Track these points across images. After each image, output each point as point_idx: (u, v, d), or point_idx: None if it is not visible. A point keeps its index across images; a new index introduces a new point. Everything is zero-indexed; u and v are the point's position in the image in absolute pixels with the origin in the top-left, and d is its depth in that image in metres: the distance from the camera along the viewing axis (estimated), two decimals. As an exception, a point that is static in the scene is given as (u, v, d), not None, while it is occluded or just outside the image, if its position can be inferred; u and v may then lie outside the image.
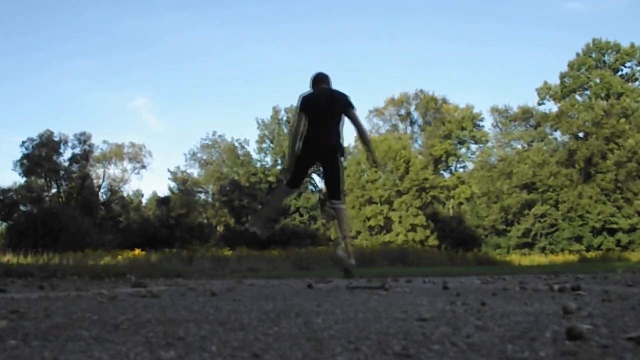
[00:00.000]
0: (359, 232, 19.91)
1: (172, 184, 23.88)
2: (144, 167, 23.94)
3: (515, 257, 15.47)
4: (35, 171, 21.39)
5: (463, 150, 24.03)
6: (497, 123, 22.80)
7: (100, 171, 23.51)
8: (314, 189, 22.97)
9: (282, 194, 3.39)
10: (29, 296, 1.59)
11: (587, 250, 17.27)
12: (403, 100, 24.96)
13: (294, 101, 31.70)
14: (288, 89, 34.93)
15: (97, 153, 23.10)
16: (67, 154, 22.21)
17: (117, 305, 1.26)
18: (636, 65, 20.65)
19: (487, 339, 0.72)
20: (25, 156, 21.18)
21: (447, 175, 23.37)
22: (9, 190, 21.11)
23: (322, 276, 3.45)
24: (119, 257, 9.54)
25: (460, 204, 21.90)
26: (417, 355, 0.62)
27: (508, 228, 19.61)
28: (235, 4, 32.45)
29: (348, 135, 39.18)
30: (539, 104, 21.75)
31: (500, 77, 33.50)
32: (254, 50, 33.79)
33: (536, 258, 15.51)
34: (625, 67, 20.82)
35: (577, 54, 21.06)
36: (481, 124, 23.65)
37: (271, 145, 23.50)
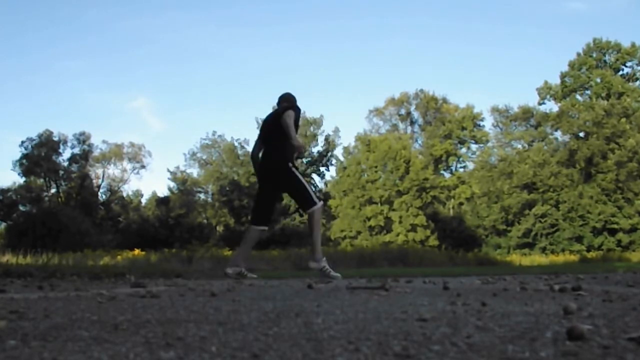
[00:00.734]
0: (359, 232, 19.91)
1: (172, 184, 23.92)
2: (143, 167, 23.98)
3: (516, 258, 15.46)
4: (34, 171, 21.40)
5: (463, 150, 24.03)
6: (498, 123, 22.80)
7: (99, 171, 23.55)
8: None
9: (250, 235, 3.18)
10: (28, 296, 1.59)
11: (588, 251, 17.26)
12: (403, 100, 24.96)
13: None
14: (288, 89, 34.85)
15: (96, 153, 23.14)
16: (66, 153, 22.27)
17: (117, 306, 1.26)
18: (637, 65, 20.65)
19: (487, 339, 0.72)
20: (24, 156, 21.20)
21: (447, 175, 23.38)
22: (8, 190, 21.13)
23: (322, 276, 3.44)
24: (119, 257, 9.55)
25: (461, 204, 21.89)
26: (417, 355, 0.62)
27: (508, 228, 19.60)
28: (235, 4, 32.49)
29: (348, 135, 39.14)
30: (540, 104, 21.76)
31: (501, 76, 33.54)
32: (254, 50, 33.84)
33: (537, 258, 15.50)
34: (626, 66, 20.83)
35: (578, 54, 21.06)
36: (481, 123, 23.66)
37: (271, 145, 23.46)
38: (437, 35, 32.12)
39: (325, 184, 24.13)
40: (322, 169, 24.40)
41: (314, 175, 22.47)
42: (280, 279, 3.11)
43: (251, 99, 34.77)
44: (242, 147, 23.83)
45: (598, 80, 20.34)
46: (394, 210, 19.62)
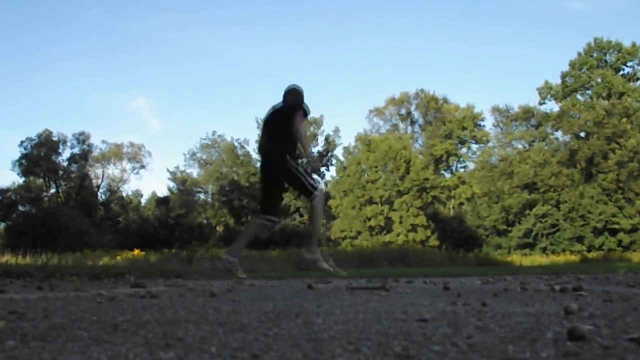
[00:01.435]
0: (359, 232, 19.90)
1: (172, 184, 23.90)
2: (143, 167, 23.97)
3: (516, 258, 15.45)
4: (34, 171, 21.39)
5: (464, 150, 24.02)
6: (498, 123, 22.78)
7: (99, 171, 23.54)
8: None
9: (253, 226, 3.24)
10: (27, 297, 1.59)
11: (589, 251, 17.24)
12: (403, 99, 24.95)
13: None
14: (289, 88, 34.85)
15: (96, 153, 23.13)
16: (66, 153, 22.25)
17: (116, 306, 1.26)
18: (638, 64, 20.63)
19: (488, 339, 0.72)
20: (24, 156, 21.19)
21: (447, 175, 23.36)
22: (7, 190, 21.12)
23: (322, 276, 3.44)
24: (118, 257, 9.54)
25: (461, 204, 21.87)
26: (417, 356, 0.62)
27: (509, 228, 19.59)
28: (235, 4, 32.51)
29: (348, 135, 39.12)
30: (540, 104, 21.74)
31: (501, 76, 33.53)
32: (254, 50, 33.86)
33: (537, 258, 15.48)
34: (626, 66, 20.80)
35: (579, 54, 21.04)
36: (482, 123, 23.64)
37: (271, 145, 23.45)
38: (437, 35, 32.16)
39: (326, 184, 24.12)
40: (322, 169, 24.39)
41: (314, 175, 22.44)
42: (280, 279, 3.11)
43: (251, 99, 34.83)
44: (242, 147, 23.85)
45: (599, 80, 20.33)
46: (394, 210, 19.61)
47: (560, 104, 20.90)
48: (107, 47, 32.55)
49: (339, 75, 34.53)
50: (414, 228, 19.13)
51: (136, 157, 23.91)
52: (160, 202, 22.97)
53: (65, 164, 22.17)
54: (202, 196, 24.37)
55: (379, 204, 19.85)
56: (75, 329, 0.84)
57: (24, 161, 21.13)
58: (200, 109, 34.84)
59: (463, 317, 0.97)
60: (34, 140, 21.40)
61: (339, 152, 23.60)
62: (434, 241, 18.24)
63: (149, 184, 47.81)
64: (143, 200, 26.79)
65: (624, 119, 18.47)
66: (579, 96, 21.03)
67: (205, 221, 22.66)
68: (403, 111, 25.16)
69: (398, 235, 18.98)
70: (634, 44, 20.34)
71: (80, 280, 2.74)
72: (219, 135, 24.53)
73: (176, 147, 43.21)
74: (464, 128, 23.35)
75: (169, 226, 19.93)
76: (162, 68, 33.59)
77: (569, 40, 32.70)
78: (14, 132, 37.24)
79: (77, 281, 2.68)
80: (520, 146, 21.49)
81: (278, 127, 3.08)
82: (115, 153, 23.69)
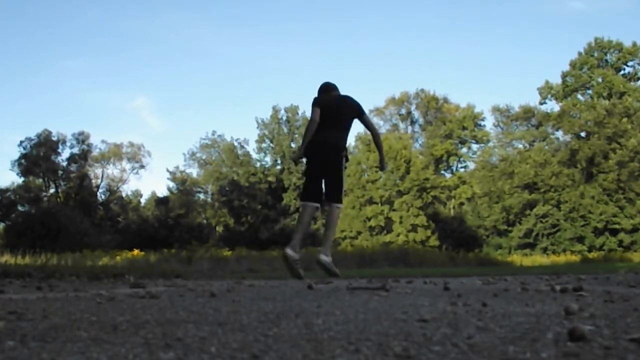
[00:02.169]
0: (359, 233, 19.90)
1: (171, 184, 23.90)
2: (142, 167, 23.94)
3: (517, 258, 15.44)
4: (33, 171, 21.38)
5: (464, 150, 24.01)
6: (499, 122, 22.77)
7: (98, 171, 23.53)
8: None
9: (307, 213, 2.91)
10: (27, 297, 1.58)
11: (589, 251, 17.23)
12: (404, 99, 24.95)
13: (294, 101, 31.69)
14: (288, 88, 34.97)
15: (95, 153, 23.10)
16: (65, 153, 22.21)
17: (116, 306, 1.25)
18: (638, 64, 20.61)
19: (488, 340, 0.72)
20: (23, 156, 21.18)
21: (448, 175, 23.35)
22: (6, 190, 21.11)
23: (322, 277, 3.44)
24: (118, 257, 9.55)
25: (462, 204, 21.87)
26: (417, 356, 0.62)
27: (509, 228, 19.58)
28: (235, 3, 32.51)
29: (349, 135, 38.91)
30: (541, 104, 21.73)
31: (502, 76, 33.48)
32: (254, 49, 33.85)
33: (538, 259, 15.48)
34: (627, 66, 20.79)
35: (579, 53, 21.03)
36: (482, 123, 23.63)
37: (271, 145, 23.50)
38: (437, 35, 32.15)
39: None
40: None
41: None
42: (281, 280, 3.11)
43: (251, 99, 34.82)
44: (242, 147, 23.86)
45: (599, 79, 20.32)
46: (394, 210, 19.62)
47: (560, 104, 20.90)
48: (107, 47, 32.57)
49: (339, 74, 34.50)
50: (414, 228, 19.13)
51: (136, 157, 23.91)
52: (160, 202, 22.97)
53: (64, 164, 22.18)
54: (201, 196, 24.38)
55: (379, 204, 19.85)
56: (74, 329, 0.84)
57: (23, 161, 21.13)
58: (200, 109, 34.86)
59: (463, 318, 0.97)
60: (33, 140, 21.41)
61: (339, 152, 23.54)
62: (434, 241, 18.24)
63: (149, 184, 47.82)
64: (143, 201, 26.80)
65: (625, 119, 18.46)
66: (579, 96, 21.03)
67: (205, 221, 22.67)
68: (403, 111, 25.17)
69: (398, 235, 18.98)
70: (634, 44, 20.33)
71: (80, 281, 2.74)
72: (219, 135, 24.56)
73: (176, 147, 43.20)
74: (464, 128, 23.35)
75: (168, 226, 19.93)
76: (162, 68, 33.62)
77: (570, 40, 32.69)
78: (14, 132, 37.26)
79: (77, 281, 2.68)
80: (520, 146, 21.49)
81: (347, 117, 3.03)
82: (115, 153, 23.69)
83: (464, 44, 32.88)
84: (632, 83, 20.41)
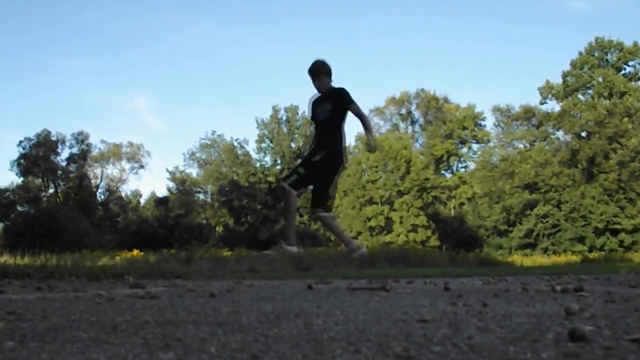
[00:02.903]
0: (359, 233, 19.89)
1: (171, 184, 23.88)
2: (142, 167, 23.92)
3: (517, 258, 15.42)
4: (32, 171, 21.36)
5: (464, 150, 23.99)
6: (499, 122, 22.76)
7: (98, 171, 23.50)
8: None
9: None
10: (26, 297, 1.58)
11: (590, 251, 17.21)
12: (404, 99, 24.94)
13: (294, 101, 31.58)
14: (288, 88, 34.98)
15: (95, 153, 23.07)
16: (64, 153, 22.16)
17: (115, 307, 1.25)
18: (639, 64, 20.59)
19: (488, 340, 0.72)
20: (22, 156, 21.15)
21: (448, 175, 23.34)
22: (6, 190, 21.07)
23: (322, 277, 3.44)
24: (117, 257, 9.55)
25: (462, 204, 21.86)
26: (418, 356, 0.61)
27: (510, 228, 19.57)
28: (235, 3, 32.51)
29: (348, 134, 38.92)
30: (541, 103, 21.72)
31: (502, 76, 33.44)
32: (254, 49, 33.84)
33: (538, 259, 15.46)
34: (628, 66, 20.77)
35: (580, 53, 21.01)
36: (483, 123, 23.62)
37: (271, 145, 23.50)
38: (438, 34, 32.13)
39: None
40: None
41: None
42: (280, 280, 3.11)
43: (251, 99, 34.82)
44: (242, 147, 23.85)
45: (600, 79, 20.30)
46: (394, 210, 19.60)
47: (561, 104, 20.88)
48: (106, 47, 32.55)
49: (339, 74, 34.22)
50: (414, 228, 19.12)
51: (135, 157, 23.89)
52: (160, 202, 22.97)
53: (64, 163, 22.15)
54: (201, 196, 24.37)
55: (379, 204, 19.84)
56: (74, 330, 0.84)
57: (22, 161, 21.11)
58: (200, 108, 34.83)
59: (464, 318, 0.97)
60: (32, 140, 21.38)
61: (339, 152, 23.54)
62: (434, 241, 18.23)
63: (148, 184, 47.76)
64: (142, 201, 26.78)
65: (625, 119, 18.44)
66: (580, 96, 21.01)
67: (204, 221, 22.66)
68: (403, 111, 25.16)
69: (398, 235, 18.97)
70: (635, 44, 20.31)
71: (79, 281, 2.73)
72: (219, 135, 24.54)
73: (175, 147, 43.18)
74: (464, 128, 23.34)
75: (168, 226, 19.93)
76: (162, 68, 33.61)
77: (571, 40, 32.67)
78: (13, 132, 37.22)
79: (76, 282, 2.67)
80: (521, 146, 21.47)
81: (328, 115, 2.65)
82: (114, 153, 23.67)
83: (465, 44, 32.88)
84: (632, 83, 20.38)
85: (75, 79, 32.95)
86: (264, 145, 23.71)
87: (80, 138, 22.37)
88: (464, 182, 21.98)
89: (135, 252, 11.00)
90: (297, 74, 32.67)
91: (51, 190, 22.24)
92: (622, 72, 20.75)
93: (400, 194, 19.75)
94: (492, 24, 32.00)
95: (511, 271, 4.63)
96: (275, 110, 23.69)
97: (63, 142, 22.12)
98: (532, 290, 1.76)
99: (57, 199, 21.60)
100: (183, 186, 23.62)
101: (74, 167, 22.33)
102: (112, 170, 23.84)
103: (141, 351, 0.65)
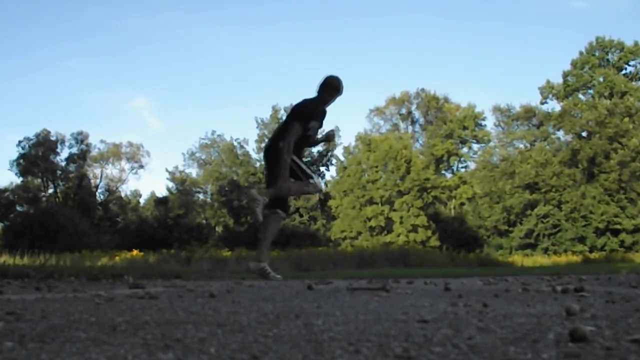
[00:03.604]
0: (359, 233, 19.90)
1: (171, 184, 23.92)
2: (141, 167, 23.96)
3: (518, 258, 15.43)
4: (31, 171, 21.38)
5: (465, 149, 24.00)
6: (500, 122, 22.78)
7: (97, 171, 23.55)
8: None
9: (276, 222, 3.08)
10: (25, 297, 1.58)
11: (591, 251, 17.21)
12: (404, 99, 24.95)
13: (294, 100, 31.76)
14: (288, 88, 35.00)
15: (94, 153, 23.11)
16: (64, 153, 22.22)
17: (115, 307, 1.25)
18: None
19: (489, 340, 0.72)
20: (21, 156, 21.17)
21: (448, 175, 23.35)
22: (5, 190, 21.12)
23: (322, 277, 3.44)
24: (117, 258, 9.56)
25: (462, 204, 21.86)
26: (418, 357, 0.61)
27: (510, 229, 19.57)
28: (235, 2, 32.55)
29: (349, 134, 39.22)
30: (542, 103, 21.73)
31: (503, 76, 33.47)
32: (254, 49, 33.89)
33: (539, 259, 15.47)
34: (629, 65, 20.78)
35: (581, 53, 21.00)
36: (483, 123, 23.63)
37: (271, 145, 23.47)
38: (438, 34, 32.15)
39: (326, 184, 24.15)
40: (322, 168, 24.41)
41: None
42: (280, 280, 3.10)
43: (251, 99, 34.85)
44: (242, 146, 23.87)
45: (601, 79, 20.29)
46: (394, 210, 19.60)
47: (562, 104, 20.89)
48: (106, 46, 32.63)
49: (339, 74, 34.29)
50: (414, 228, 19.11)
51: (135, 157, 23.92)
52: (159, 202, 22.99)
53: (63, 163, 22.17)
54: (201, 196, 24.39)
55: (380, 204, 19.85)
56: (73, 330, 0.83)
57: (21, 161, 21.12)
58: (200, 108, 34.88)
59: (464, 318, 0.97)
60: (31, 139, 21.39)
61: (339, 151, 23.64)
62: (434, 242, 18.22)
63: (148, 184, 47.83)
64: (142, 201, 26.82)
65: (626, 119, 18.43)
66: (580, 95, 21.01)
67: (204, 221, 22.68)
68: (404, 110, 25.16)
69: (398, 235, 18.97)
70: (636, 43, 20.31)
71: (79, 281, 2.73)
72: (218, 135, 24.57)
73: (175, 147, 43.27)
74: (465, 128, 23.34)
75: (167, 226, 19.94)
76: (162, 67, 33.68)
77: (571, 39, 32.72)
78: (12, 132, 37.29)
79: (76, 282, 2.67)
80: (521, 146, 21.49)
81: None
82: (114, 153, 23.68)
83: (465, 43, 32.91)
84: (633, 83, 20.38)
85: (74, 78, 33.03)
86: (264, 145, 23.65)
87: (80, 138, 22.41)
88: (465, 182, 21.99)
89: (135, 252, 11.02)
90: (297, 73, 32.72)
91: (50, 190, 22.28)
92: (623, 71, 20.76)
93: (401, 194, 19.76)
94: (492, 23, 32.02)
95: (512, 271, 4.63)
96: (275, 110, 23.71)
97: (62, 142, 22.16)
98: (532, 291, 1.76)
99: (57, 199, 21.62)
100: (183, 186, 23.64)
101: (73, 167, 22.36)
102: (111, 170, 23.89)
103: (140, 351, 0.65)
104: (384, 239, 18.82)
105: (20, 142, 21.43)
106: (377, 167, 20.20)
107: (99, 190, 23.52)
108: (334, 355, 0.63)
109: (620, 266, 5.93)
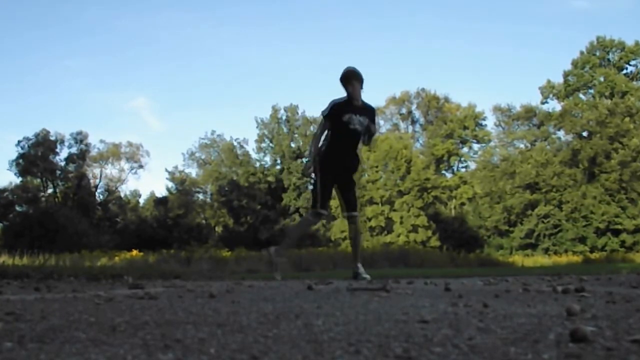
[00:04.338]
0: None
1: (170, 184, 23.92)
2: (141, 167, 23.93)
3: (518, 258, 15.42)
4: (31, 171, 21.36)
5: (465, 149, 23.99)
6: (500, 122, 22.77)
7: (97, 171, 23.53)
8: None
9: (307, 223, 3.14)
10: (24, 298, 1.58)
11: (591, 252, 17.20)
12: (404, 99, 24.94)
13: (294, 100, 31.63)
14: (288, 88, 35.03)
15: (94, 152, 23.09)
16: (63, 153, 22.18)
17: (114, 307, 1.25)
18: (640, 63, 20.57)
19: (489, 341, 0.71)
20: (21, 156, 21.14)
21: (449, 175, 23.34)
22: (4, 190, 21.07)
23: (322, 277, 3.44)
24: (116, 258, 9.57)
25: (463, 204, 21.85)
26: (418, 357, 0.61)
27: (511, 229, 19.55)
28: (235, 2, 32.55)
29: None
30: (542, 103, 21.72)
31: (503, 75, 33.45)
32: (254, 49, 33.89)
33: (539, 259, 15.46)
34: (629, 65, 20.76)
35: (581, 52, 20.99)
36: (483, 123, 23.62)
37: (270, 144, 23.50)
38: (438, 34, 32.15)
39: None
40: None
41: (314, 175, 22.46)
42: (280, 280, 3.10)
43: (251, 99, 34.86)
44: (242, 146, 23.87)
45: (601, 79, 20.28)
46: (394, 210, 19.60)
47: (562, 103, 20.88)
48: (106, 46, 32.62)
49: (339, 74, 34.45)
50: (414, 228, 19.11)
51: (134, 156, 23.90)
52: (159, 202, 22.99)
53: (62, 163, 22.15)
54: (200, 196, 24.39)
55: (380, 204, 19.84)
56: (73, 331, 0.83)
57: (21, 161, 21.10)
58: (200, 108, 34.87)
59: (464, 319, 0.96)
60: (31, 139, 21.36)
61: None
62: (435, 242, 18.22)
63: (148, 184, 47.80)
64: (141, 201, 26.78)
65: (627, 119, 18.42)
66: (581, 95, 20.99)
67: (204, 221, 22.68)
68: (404, 110, 25.16)
69: (399, 235, 18.96)
70: (636, 43, 20.29)
71: (78, 281, 2.73)
72: (218, 135, 24.57)
73: (175, 146, 43.26)
74: (465, 127, 23.33)
75: (167, 226, 19.96)
76: (161, 67, 33.67)
77: (572, 39, 32.68)
78: (11, 132, 37.26)
79: (75, 282, 2.67)
80: (522, 146, 21.47)
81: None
82: (113, 153, 23.68)
83: (465, 43, 32.90)
84: (634, 82, 20.37)
85: (74, 78, 33.02)
86: (263, 145, 23.71)
87: (79, 138, 22.40)
88: (465, 182, 21.98)
89: (135, 252, 11.03)
90: (297, 74, 32.72)
91: (50, 190, 22.27)
92: (624, 71, 20.74)
93: (401, 194, 19.76)
94: (492, 23, 32.01)
95: (512, 271, 4.63)
96: (275, 110, 23.71)
97: (62, 141, 22.15)
98: (533, 291, 1.76)
99: (56, 199, 21.62)
100: (182, 186, 23.64)
101: (72, 167, 22.35)
102: (111, 170, 23.88)
103: (140, 352, 0.65)
104: (384, 239, 18.81)
105: (19, 142, 21.43)
106: (377, 167, 20.20)
107: (98, 190, 23.53)
108: (334, 355, 0.62)
109: (620, 266, 5.93)
